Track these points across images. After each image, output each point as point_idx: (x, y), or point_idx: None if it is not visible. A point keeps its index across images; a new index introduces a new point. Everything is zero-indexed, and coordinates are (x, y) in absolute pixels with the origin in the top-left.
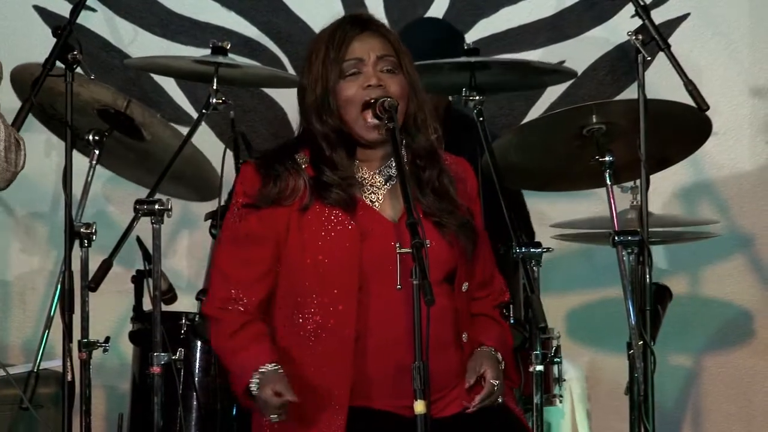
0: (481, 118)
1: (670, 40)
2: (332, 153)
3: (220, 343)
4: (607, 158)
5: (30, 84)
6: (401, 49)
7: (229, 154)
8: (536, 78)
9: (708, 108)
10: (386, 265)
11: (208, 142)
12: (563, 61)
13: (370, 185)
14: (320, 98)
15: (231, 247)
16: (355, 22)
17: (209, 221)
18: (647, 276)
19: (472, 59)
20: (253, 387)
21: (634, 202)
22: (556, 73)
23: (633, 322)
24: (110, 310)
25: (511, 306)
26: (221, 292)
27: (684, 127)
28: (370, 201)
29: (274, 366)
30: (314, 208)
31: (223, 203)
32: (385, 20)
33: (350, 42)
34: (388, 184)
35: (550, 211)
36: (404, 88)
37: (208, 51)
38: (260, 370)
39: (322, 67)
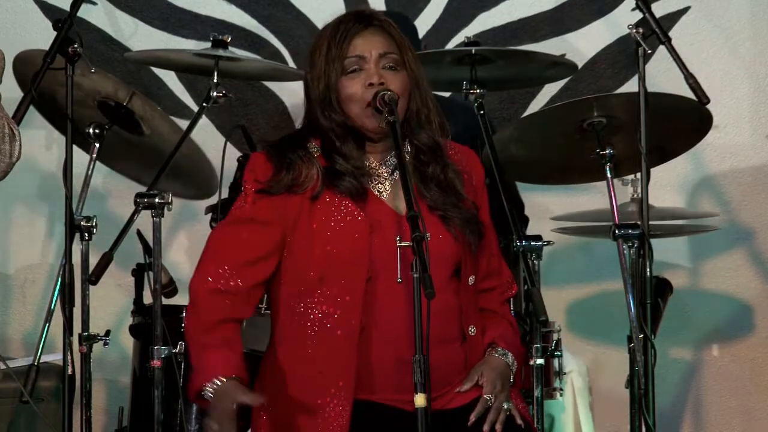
0: (482, 112)
1: (671, 34)
2: (342, 145)
3: (192, 333)
4: (607, 151)
5: (31, 75)
6: (404, 43)
7: (230, 147)
8: (536, 71)
9: (709, 101)
10: (392, 258)
11: (208, 136)
12: (564, 55)
13: (377, 175)
14: (322, 94)
15: (230, 227)
16: (358, 18)
17: (210, 215)
18: (648, 269)
19: (473, 49)
20: (208, 392)
21: (635, 195)
22: (557, 66)
23: (633, 316)
24: (111, 304)
25: (511, 299)
26: (210, 266)
27: (684, 121)
28: (378, 191)
29: (236, 378)
30: (324, 197)
31: (223, 197)
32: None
33: (352, 39)
34: (394, 174)
35: (550, 205)
36: (406, 85)
37: (208, 44)
38: (221, 378)
39: (325, 64)
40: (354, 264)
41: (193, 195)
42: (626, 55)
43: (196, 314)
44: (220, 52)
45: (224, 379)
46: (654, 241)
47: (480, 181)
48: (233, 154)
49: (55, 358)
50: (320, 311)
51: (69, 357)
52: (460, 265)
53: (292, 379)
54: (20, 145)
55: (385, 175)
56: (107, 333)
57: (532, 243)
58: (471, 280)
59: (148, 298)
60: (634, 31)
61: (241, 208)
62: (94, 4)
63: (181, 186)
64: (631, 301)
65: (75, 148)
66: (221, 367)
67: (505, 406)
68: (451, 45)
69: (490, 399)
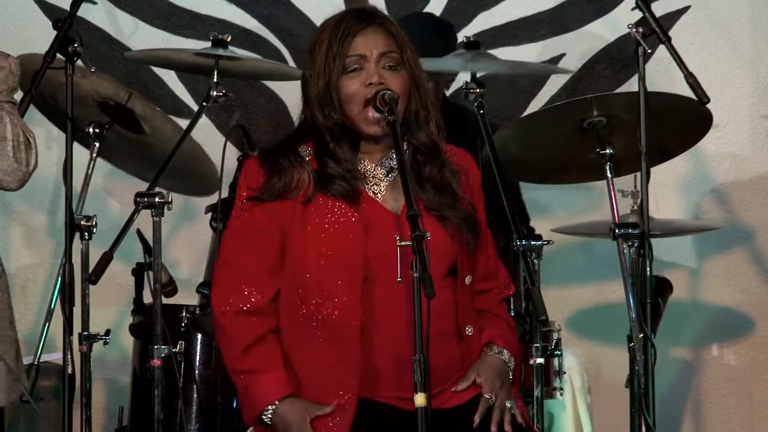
0: (481, 111)
1: (671, 33)
2: (336, 146)
3: (229, 361)
4: (607, 151)
5: (31, 76)
6: (405, 43)
7: (230, 146)
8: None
9: (708, 100)
10: (389, 258)
11: (208, 135)
12: (563, 54)
13: (373, 177)
14: (322, 92)
15: (238, 240)
16: (360, 15)
17: (209, 214)
18: (648, 269)
19: (467, 54)
20: (266, 419)
21: (634, 207)
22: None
23: (633, 315)
24: (111, 303)
25: (511, 298)
26: (230, 287)
27: (684, 120)
28: (373, 193)
29: (291, 398)
30: (317, 200)
31: (223, 196)
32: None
33: (353, 37)
34: (390, 175)
35: (550, 205)
36: (406, 85)
37: (208, 44)
38: (275, 403)
39: (325, 61)
40: (350, 264)
41: (195, 192)
42: (626, 55)
43: (227, 341)
44: (220, 52)
45: (278, 402)
46: (654, 241)
47: (476, 182)
48: (233, 153)
49: (56, 357)
50: (320, 313)
51: (69, 356)
52: (457, 265)
53: (296, 379)
54: (36, 153)
55: (381, 176)
56: (107, 332)
57: (531, 242)
58: (468, 280)
59: (148, 298)
60: (634, 30)
61: (240, 219)
62: (95, 3)
63: (184, 184)
64: (631, 301)
65: (76, 147)
66: (270, 391)
67: (508, 405)
68: None
69: (491, 398)
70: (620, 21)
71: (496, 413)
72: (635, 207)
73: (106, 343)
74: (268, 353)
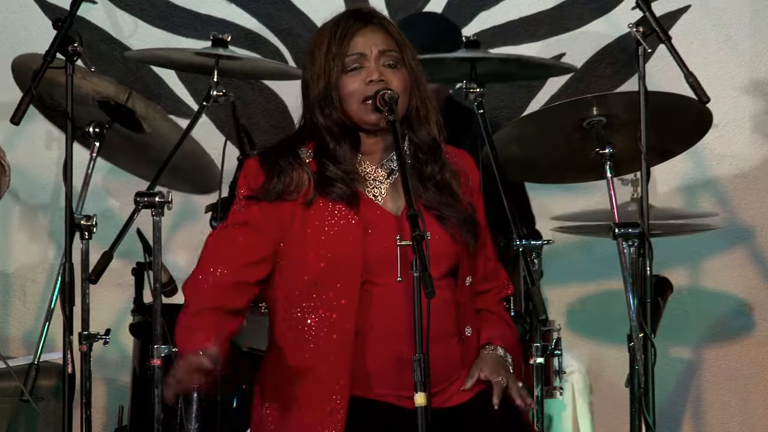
0: (481, 110)
1: (671, 32)
2: (336, 146)
3: (179, 319)
4: (607, 150)
5: (31, 75)
6: (403, 42)
7: (230, 146)
8: (536, 70)
9: (709, 100)
10: (389, 259)
11: (208, 135)
12: (563, 54)
13: (373, 179)
14: (323, 92)
15: (226, 231)
16: (357, 16)
17: (210, 213)
18: (648, 268)
19: (470, 55)
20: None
21: (635, 195)
22: (556, 66)
23: (633, 315)
24: (111, 303)
25: (511, 298)
26: (205, 270)
27: (684, 120)
28: (373, 195)
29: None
30: (318, 203)
31: (224, 196)
32: (385, 12)
33: (352, 36)
34: (390, 177)
35: (550, 204)
36: (406, 83)
37: (208, 43)
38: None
39: (325, 62)
40: (349, 267)
41: (197, 190)
42: (626, 54)
43: (185, 308)
44: (220, 51)
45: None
46: (654, 240)
47: (476, 184)
48: (233, 152)
49: (55, 356)
50: (317, 315)
51: (69, 356)
52: (457, 265)
53: (290, 380)
54: (9, 179)
55: (382, 178)
56: (107, 332)
57: (532, 242)
58: (468, 280)
59: (148, 297)
60: (635, 30)
61: (235, 213)
62: (95, 2)
63: (184, 182)
64: (631, 300)
65: (75, 146)
66: (197, 346)
67: (520, 385)
68: None
69: (502, 380)
70: (620, 20)
71: (514, 390)
72: (635, 195)
73: (106, 342)
74: (215, 321)
